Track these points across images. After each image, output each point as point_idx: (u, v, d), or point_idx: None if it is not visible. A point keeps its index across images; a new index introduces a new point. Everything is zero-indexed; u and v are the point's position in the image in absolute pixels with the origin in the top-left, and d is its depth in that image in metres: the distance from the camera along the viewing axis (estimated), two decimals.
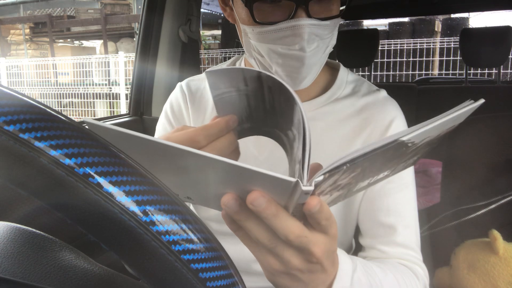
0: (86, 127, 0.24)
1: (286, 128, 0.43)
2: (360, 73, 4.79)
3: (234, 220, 0.38)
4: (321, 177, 0.33)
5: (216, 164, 0.33)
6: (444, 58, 5.85)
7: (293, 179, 0.33)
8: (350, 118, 0.70)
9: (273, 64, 0.63)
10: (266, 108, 0.46)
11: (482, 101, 0.38)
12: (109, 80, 7.50)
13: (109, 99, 7.42)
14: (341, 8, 0.63)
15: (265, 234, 0.37)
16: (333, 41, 0.64)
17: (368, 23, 6.85)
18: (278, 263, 0.39)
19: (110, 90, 7.38)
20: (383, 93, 0.73)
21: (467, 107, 0.37)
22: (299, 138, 0.38)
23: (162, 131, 0.78)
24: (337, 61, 1.26)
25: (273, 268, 0.39)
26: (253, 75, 0.43)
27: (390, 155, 0.37)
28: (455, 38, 5.83)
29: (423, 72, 5.90)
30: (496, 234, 1.08)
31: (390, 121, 0.69)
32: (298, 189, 0.33)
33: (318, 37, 0.59)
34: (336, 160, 0.34)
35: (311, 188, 0.33)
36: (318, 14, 0.59)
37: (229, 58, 0.83)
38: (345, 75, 0.74)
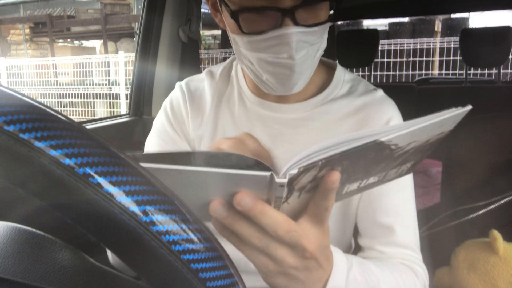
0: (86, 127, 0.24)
1: None
2: (360, 73, 4.79)
3: (225, 226, 0.38)
4: (295, 171, 0.34)
5: (194, 174, 0.33)
6: (444, 58, 5.84)
7: (267, 173, 0.33)
8: (346, 118, 0.70)
9: (263, 72, 0.63)
10: None
11: (469, 107, 0.37)
12: (109, 80, 7.50)
13: (109, 99, 7.41)
14: (330, 12, 0.62)
15: (255, 234, 0.37)
16: (324, 45, 0.63)
17: (368, 23, 6.84)
18: (273, 263, 0.39)
19: (110, 90, 7.38)
20: (380, 92, 0.73)
21: (453, 113, 0.36)
22: None
23: (160, 127, 0.78)
24: (336, 61, 1.26)
25: (269, 269, 0.39)
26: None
27: (373, 157, 0.37)
28: (455, 38, 5.82)
29: (423, 72, 5.89)
30: (496, 234, 1.08)
31: (387, 121, 0.69)
32: (274, 183, 0.34)
33: (307, 44, 0.59)
34: (311, 156, 0.34)
35: (285, 180, 0.34)
36: (305, 21, 0.58)
37: (229, 58, 0.83)
38: (342, 74, 0.74)
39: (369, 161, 0.37)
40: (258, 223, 0.36)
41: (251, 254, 0.39)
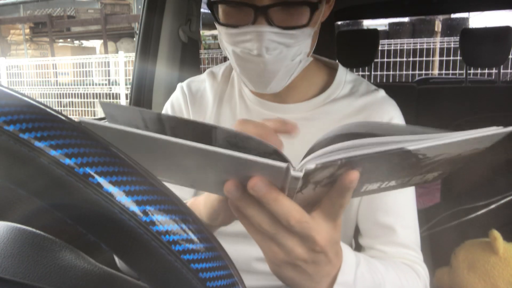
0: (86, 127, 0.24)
1: None
2: (360, 73, 4.79)
3: (239, 208, 0.38)
4: (313, 166, 0.33)
5: (212, 155, 0.33)
6: (444, 58, 5.85)
7: (283, 164, 0.33)
8: (348, 118, 0.70)
9: (237, 66, 0.64)
10: None
11: (510, 129, 0.35)
12: (109, 80, 7.50)
13: (109, 99, 7.41)
14: (314, 18, 0.60)
15: (266, 220, 0.37)
16: (307, 49, 0.63)
17: (368, 23, 6.84)
18: (282, 252, 0.39)
19: (110, 90, 7.38)
20: (382, 93, 0.73)
21: (491, 132, 0.35)
22: None
23: None
24: (337, 61, 1.26)
25: (277, 258, 0.39)
26: (152, 117, 0.38)
27: (397, 163, 0.36)
28: (455, 38, 5.82)
29: (423, 72, 5.89)
30: (496, 234, 1.08)
31: (388, 121, 0.69)
32: (289, 175, 0.34)
33: (282, 45, 0.59)
34: (331, 153, 0.33)
35: (300, 174, 0.33)
36: (282, 22, 0.58)
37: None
38: (343, 75, 0.74)
39: (393, 166, 0.36)
40: (271, 210, 0.36)
41: (261, 240, 0.39)
